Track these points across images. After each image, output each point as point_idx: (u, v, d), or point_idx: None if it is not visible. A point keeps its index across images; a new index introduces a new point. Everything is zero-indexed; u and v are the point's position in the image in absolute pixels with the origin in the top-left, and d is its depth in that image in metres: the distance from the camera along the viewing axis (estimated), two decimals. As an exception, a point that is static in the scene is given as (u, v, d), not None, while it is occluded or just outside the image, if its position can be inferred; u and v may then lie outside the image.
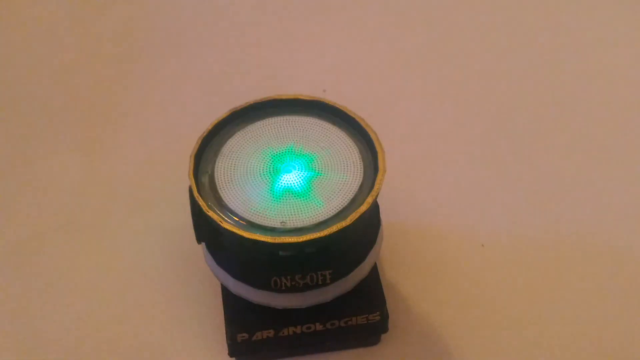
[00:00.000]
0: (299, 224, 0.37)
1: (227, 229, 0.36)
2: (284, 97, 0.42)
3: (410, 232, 0.49)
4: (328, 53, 0.63)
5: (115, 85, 0.62)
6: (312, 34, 0.65)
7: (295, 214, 0.38)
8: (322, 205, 0.38)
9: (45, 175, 0.55)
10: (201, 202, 0.37)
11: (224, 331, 0.43)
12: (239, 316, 0.42)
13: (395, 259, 0.48)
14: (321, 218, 0.37)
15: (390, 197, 0.47)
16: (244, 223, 0.37)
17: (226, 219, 0.37)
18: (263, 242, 0.36)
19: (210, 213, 0.37)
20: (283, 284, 0.39)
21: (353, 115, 0.41)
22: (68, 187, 0.55)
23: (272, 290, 0.39)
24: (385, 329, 0.45)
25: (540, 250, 0.50)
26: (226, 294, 0.43)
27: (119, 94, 0.61)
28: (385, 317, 0.44)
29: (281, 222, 0.37)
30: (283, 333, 0.42)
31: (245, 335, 0.42)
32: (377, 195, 0.37)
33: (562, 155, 0.55)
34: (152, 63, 0.63)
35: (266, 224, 0.37)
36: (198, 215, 0.38)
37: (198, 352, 0.46)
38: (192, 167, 0.39)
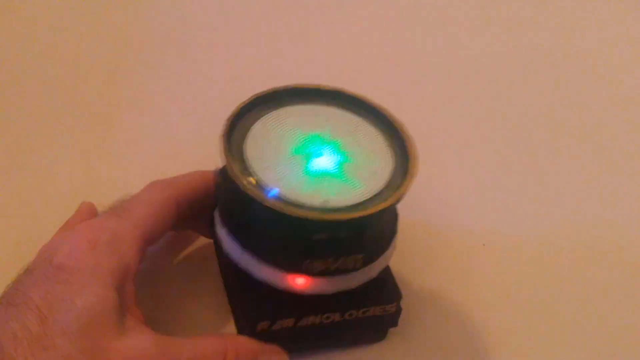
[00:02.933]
0: (340, 204, 0.37)
1: (270, 208, 0.36)
2: (304, 86, 0.42)
3: (410, 231, 0.49)
4: (336, 49, 0.63)
5: (115, 85, 0.60)
6: (320, 29, 0.65)
7: (335, 194, 0.38)
8: (360, 187, 0.38)
9: (46, 175, 0.54)
10: (239, 181, 0.36)
11: (237, 322, 0.42)
12: (259, 304, 0.41)
13: (396, 258, 0.48)
14: (361, 199, 0.38)
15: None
16: (282, 203, 0.36)
17: (266, 200, 0.36)
18: (310, 219, 0.35)
19: (250, 191, 0.36)
20: (315, 267, 0.39)
21: (373, 105, 0.42)
22: (68, 187, 0.53)
23: (305, 274, 0.39)
24: (395, 323, 0.45)
25: (541, 249, 0.50)
26: (241, 283, 0.41)
27: (119, 94, 0.60)
28: (399, 309, 0.44)
29: (323, 201, 0.37)
30: (303, 323, 0.41)
31: (267, 323, 0.41)
32: (413, 180, 0.38)
33: (564, 155, 0.56)
34: (152, 63, 0.63)
35: (306, 203, 0.37)
36: (231, 197, 0.37)
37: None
38: (224, 147, 0.38)
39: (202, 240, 0.50)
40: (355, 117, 0.42)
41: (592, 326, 0.47)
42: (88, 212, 0.45)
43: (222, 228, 0.40)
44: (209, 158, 0.56)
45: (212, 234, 0.44)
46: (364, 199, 0.38)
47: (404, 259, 0.45)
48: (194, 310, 0.46)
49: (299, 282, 0.39)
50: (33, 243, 0.47)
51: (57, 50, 0.63)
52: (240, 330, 0.42)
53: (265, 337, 0.41)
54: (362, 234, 0.39)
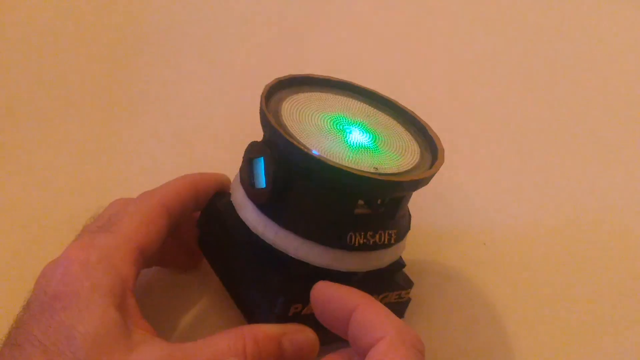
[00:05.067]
0: (389, 171, 0.38)
1: (332, 165, 0.35)
2: (317, 76, 0.44)
3: (410, 230, 0.50)
4: (336, 45, 0.63)
5: (115, 86, 0.59)
6: (319, 26, 0.65)
7: (380, 163, 0.38)
8: (399, 158, 0.39)
9: (46, 176, 0.52)
10: (296, 142, 0.36)
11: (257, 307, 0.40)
12: (293, 283, 0.39)
13: None
14: (404, 168, 0.39)
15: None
16: (343, 165, 0.36)
17: (326, 160, 0.36)
18: (370, 178, 0.36)
19: (310, 152, 0.36)
20: (357, 240, 0.38)
21: (383, 96, 0.44)
22: (68, 188, 0.52)
23: (346, 248, 0.38)
24: (402, 313, 0.45)
25: (542, 248, 0.51)
26: (269, 264, 0.39)
27: (119, 95, 0.58)
28: (409, 298, 0.44)
29: (374, 168, 0.37)
30: None
31: (299, 306, 0.39)
32: (444, 153, 0.40)
33: (564, 154, 0.57)
34: (152, 63, 0.61)
35: (357, 169, 0.37)
36: (279, 166, 0.37)
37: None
38: (267, 115, 0.37)
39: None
40: (366, 106, 0.44)
41: (594, 323, 0.47)
42: None
43: (252, 208, 0.39)
44: (210, 158, 0.54)
45: (203, 237, 0.43)
46: (408, 168, 0.39)
47: (404, 258, 0.46)
48: (195, 314, 0.43)
49: (341, 257, 0.38)
50: (33, 243, 0.47)
51: (57, 50, 0.62)
52: (263, 318, 0.40)
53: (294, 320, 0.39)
54: (397, 209, 0.39)
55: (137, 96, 0.59)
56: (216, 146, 0.56)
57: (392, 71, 0.65)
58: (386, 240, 0.39)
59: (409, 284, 0.44)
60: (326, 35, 0.68)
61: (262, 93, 0.39)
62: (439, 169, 0.39)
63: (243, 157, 0.40)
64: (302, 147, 0.36)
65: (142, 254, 0.38)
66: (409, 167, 0.39)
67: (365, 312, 0.34)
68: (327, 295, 0.35)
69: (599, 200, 0.55)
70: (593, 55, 0.70)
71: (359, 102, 0.44)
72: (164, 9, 0.68)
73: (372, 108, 0.44)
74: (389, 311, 0.34)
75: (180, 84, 0.61)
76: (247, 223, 0.39)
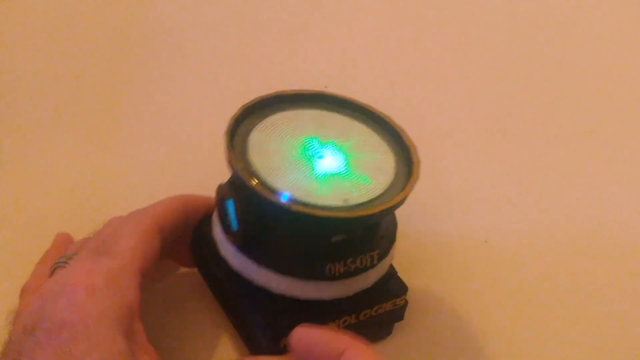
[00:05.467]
0: (360, 200, 0.37)
1: (297, 211, 0.35)
2: (288, 92, 0.42)
3: (411, 228, 0.50)
4: (330, 48, 0.63)
5: (115, 86, 0.59)
6: (313, 29, 0.64)
7: (350, 192, 0.37)
8: (371, 182, 0.38)
9: (46, 176, 0.53)
10: (260, 189, 0.35)
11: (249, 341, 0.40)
12: (277, 319, 0.39)
13: (396, 255, 0.48)
14: (375, 193, 0.38)
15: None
16: (308, 207, 0.35)
17: (292, 205, 0.35)
18: (342, 218, 0.35)
19: (274, 198, 0.35)
20: (337, 270, 0.38)
21: (360, 104, 0.42)
22: (68, 189, 0.52)
23: (327, 279, 0.38)
24: (402, 316, 0.45)
25: (542, 247, 0.51)
26: (254, 300, 0.40)
27: (119, 96, 0.59)
28: (406, 302, 0.44)
29: (344, 200, 0.37)
30: None
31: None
32: (420, 166, 0.39)
33: (565, 150, 0.56)
34: (153, 63, 0.62)
35: (327, 204, 0.36)
36: (244, 210, 0.36)
37: None
38: (231, 158, 0.37)
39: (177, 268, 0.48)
40: (340, 116, 0.42)
41: (595, 320, 0.47)
42: (64, 244, 0.43)
43: (230, 246, 0.39)
44: (210, 157, 0.54)
45: (196, 259, 0.43)
46: (380, 192, 0.38)
47: (405, 257, 0.46)
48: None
49: (323, 288, 0.38)
50: (33, 243, 0.46)
51: (57, 50, 0.62)
52: (257, 350, 0.40)
53: (284, 352, 0.40)
54: (376, 229, 0.39)
55: (137, 97, 0.60)
56: (217, 146, 0.56)
57: (392, 71, 0.64)
58: (368, 262, 0.39)
59: (403, 289, 0.43)
60: (326, 35, 0.67)
61: (227, 128, 0.38)
62: (413, 188, 0.37)
63: (215, 199, 0.40)
64: (265, 194, 0.35)
65: (143, 276, 0.38)
66: (383, 189, 0.38)
67: (353, 357, 0.33)
68: (309, 342, 0.34)
69: (599, 200, 0.54)
70: (593, 56, 0.68)
71: (332, 114, 0.42)
72: (164, 9, 0.67)
73: (347, 118, 0.42)
74: (379, 355, 0.33)
75: (181, 84, 0.61)
76: (228, 261, 0.39)
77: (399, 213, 0.50)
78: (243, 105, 0.40)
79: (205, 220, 0.43)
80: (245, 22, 0.67)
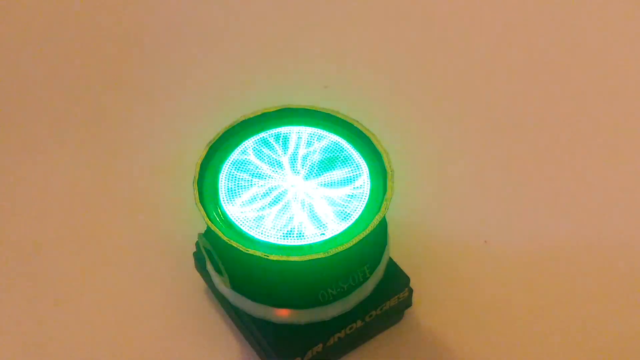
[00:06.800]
0: (340, 228, 0.37)
1: (277, 261, 0.35)
2: (273, 109, 0.41)
3: (411, 228, 0.49)
4: (330, 48, 0.62)
5: (116, 87, 0.59)
6: (314, 29, 0.63)
7: (326, 223, 0.37)
8: (347, 206, 0.38)
9: (46, 177, 0.53)
10: (234, 243, 0.35)
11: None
12: (284, 344, 0.40)
13: (396, 255, 0.48)
14: (353, 219, 0.37)
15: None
16: (285, 255, 0.36)
17: (269, 255, 0.35)
18: (317, 259, 0.35)
19: (250, 251, 0.35)
20: (330, 294, 0.39)
21: (325, 111, 0.41)
22: (67, 189, 0.53)
23: (322, 304, 0.39)
24: (409, 303, 0.45)
25: (542, 247, 0.50)
26: (261, 326, 0.41)
27: (119, 97, 0.59)
28: (411, 291, 0.44)
29: (321, 234, 0.37)
30: (330, 342, 0.42)
31: (298, 359, 0.41)
32: (393, 182, 0.38)
33: (565, 151, 0.55)
34: (152, 63, 0.61)
35: (303, 243, 0.36)
36: (228, 257, 0.37)
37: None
38: (202, 211, 0.37)
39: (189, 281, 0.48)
40: (309, 130, 0.41)
41: (594, 321, 0.46)
42: None
43: (225, 288, 0.40)
44: None
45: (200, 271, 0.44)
46: (357, 216, 0.37)
47: (405, 257, 0.46)
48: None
49: (320, 312, 0.39)
50: (33, 243, 0.48)
51: (57, 50, 0.62)
52: None
53: None
54: (363, 246, 0.39)
55: (138, 97, 0.59)
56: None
57: (392, 71, 0.62)
58: (361, 277, 0.40)
59: (405, 281, 0.44)
60: (325, 34, 0.64)
61: (194, 177, 0.38)
62: (388, 207, 0.37)
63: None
64: (241, 248, 0.35)
65: None
66: (359, 213, 0.38)
67: None
68: None
69: (600, 200, 0.53)
70: (593, 56, 0.64)
71: (301, 129, 0.41)
72: (164, 9, 0.66)
73: (316, 129, 0.41)
74: None
75: (181, 85, 0.60)
76: (224, 295, 0.40)
77: (397, 212, 0.49)
78: (207, 145, 0.40)
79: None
80: (246, 22, 0.65)
